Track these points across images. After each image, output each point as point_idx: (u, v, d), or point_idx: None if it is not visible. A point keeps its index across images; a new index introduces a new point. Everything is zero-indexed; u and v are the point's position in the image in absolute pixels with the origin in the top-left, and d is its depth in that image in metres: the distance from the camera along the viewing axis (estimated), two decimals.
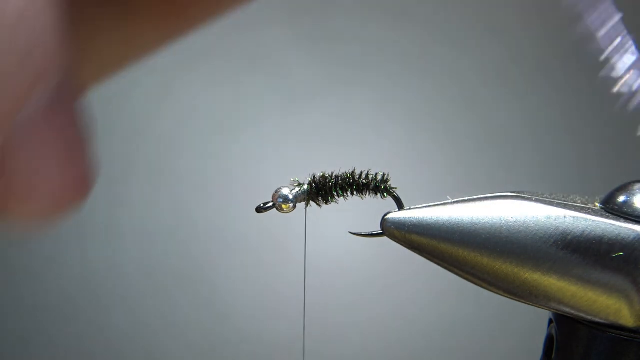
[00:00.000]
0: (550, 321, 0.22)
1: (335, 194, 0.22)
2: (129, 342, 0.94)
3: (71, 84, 0.17)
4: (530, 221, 0.18)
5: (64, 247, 0.95)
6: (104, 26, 0.19)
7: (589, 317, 0.18)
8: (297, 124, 0.86)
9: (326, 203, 0.22)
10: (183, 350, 0.94)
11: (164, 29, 0.19)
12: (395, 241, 0.19)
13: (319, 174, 0.22)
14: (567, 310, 0.18)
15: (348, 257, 0.97)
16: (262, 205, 0.21)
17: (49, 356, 0.93)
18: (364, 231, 0.22)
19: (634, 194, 0.19)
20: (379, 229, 0.20)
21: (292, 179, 0.22)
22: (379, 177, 0.21)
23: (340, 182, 0.22)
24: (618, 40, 0.22)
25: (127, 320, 0.94)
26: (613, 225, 0.17)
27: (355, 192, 0.22)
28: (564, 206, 0.18)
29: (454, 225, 0.18)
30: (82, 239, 0.95)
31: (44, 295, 0.94)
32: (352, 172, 0.22)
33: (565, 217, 0.18)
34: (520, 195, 0.19)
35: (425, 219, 0.19)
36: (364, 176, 0.22)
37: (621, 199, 0.19)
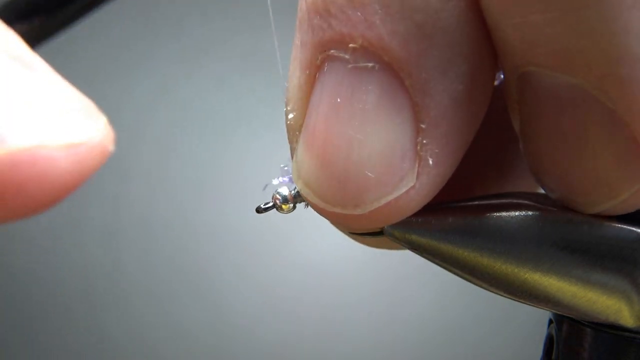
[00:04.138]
0: (550, 321, 0.22)
1: None
2: (128, 341, 0.93)
3: None
4: (530, 221, 0.18)
5: (64, 247, 0.95)
6: None
7: (589, 317, 0.18)
8: None
9: None
10: (182, 350, 0.94)
11: None
12: (394, 241, 0.19)
13: None
14: (567, 310, 0.18)
15: (348, 257, 0.96)
16: (262, 205, 0.21)
17: (48, 355, 0.93)
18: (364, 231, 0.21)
19: None
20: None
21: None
22: None
23: None
24: None
25: (127, 320, 0.94)
26: (613, 225, 0.17)
27: None
28: (565, 206, 0.18)
29: (453, 225, 0.18)
30: (81, 238, 0.95)
31: (43, 295, 0.94)
32: None
33: (565, 216, 0.18)
34: (520, 194, 0.19)
35: (424, 219, 0.18)
36: None
37: None
